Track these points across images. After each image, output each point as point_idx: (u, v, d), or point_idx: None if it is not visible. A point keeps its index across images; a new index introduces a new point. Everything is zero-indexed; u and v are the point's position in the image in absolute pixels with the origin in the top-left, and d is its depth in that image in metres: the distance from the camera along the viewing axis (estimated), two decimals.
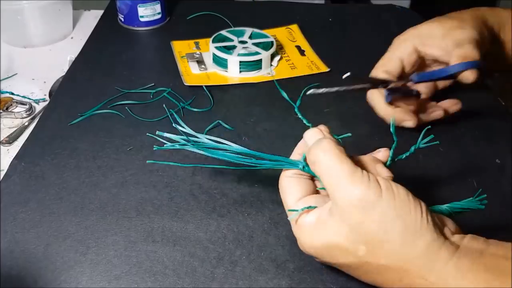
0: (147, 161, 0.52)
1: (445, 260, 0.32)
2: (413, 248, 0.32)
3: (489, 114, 0.61)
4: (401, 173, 0.39)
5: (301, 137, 0.40)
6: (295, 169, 0.39)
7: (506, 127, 0.59)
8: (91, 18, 0.88)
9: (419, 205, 0.33)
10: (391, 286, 0.34)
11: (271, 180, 0.42)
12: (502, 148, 0.56)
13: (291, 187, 0.39)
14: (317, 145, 0.36)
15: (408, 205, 0.33)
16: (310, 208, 0.37)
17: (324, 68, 0.70)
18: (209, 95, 0.63)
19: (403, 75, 0.55)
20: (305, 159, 0.38)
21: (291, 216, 0.37)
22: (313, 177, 0.40)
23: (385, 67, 0.55)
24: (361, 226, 0.33)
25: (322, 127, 0.40)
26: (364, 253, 0.33)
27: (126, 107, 0.61)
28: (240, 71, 0.68)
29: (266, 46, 0.69)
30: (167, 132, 0.40)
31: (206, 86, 0.65)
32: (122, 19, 0.81)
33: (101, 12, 0.87)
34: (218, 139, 0.40)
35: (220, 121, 0.59)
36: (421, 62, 0.56)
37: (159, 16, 0.81)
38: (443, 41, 0.53)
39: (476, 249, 0.33)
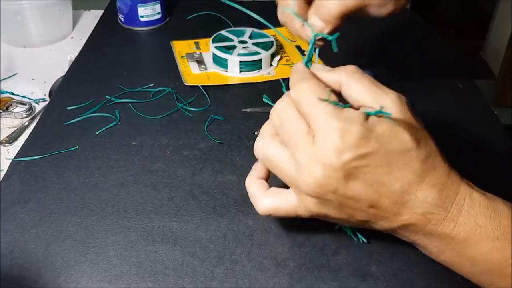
0: None
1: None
2: (425, 147, 0.36)
3: (482, 122, 0.61)
4: None
5: None
6: None
7: (499, 136, 0.58)
8: (91, 18, 0.88)
9: None
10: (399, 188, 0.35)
11: (271, 180, 0.42)
12: (495, 156, 0.55)
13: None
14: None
15: None
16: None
17: None
18: (206, 95, 0.63)
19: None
20: None
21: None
22: None
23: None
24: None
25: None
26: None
27: (130, 105, 0.61)
28: (240, 71, 0.68)
29: (266, 46, 0.69)
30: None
31: (206, 86, 0.65)
32: (122, 19, 0.81)
33: (101, 12, 0.87)
34: None
35: (219, 118, 0.59)
36: None
37: (159, 16, 0.81)
38: None
39: None
